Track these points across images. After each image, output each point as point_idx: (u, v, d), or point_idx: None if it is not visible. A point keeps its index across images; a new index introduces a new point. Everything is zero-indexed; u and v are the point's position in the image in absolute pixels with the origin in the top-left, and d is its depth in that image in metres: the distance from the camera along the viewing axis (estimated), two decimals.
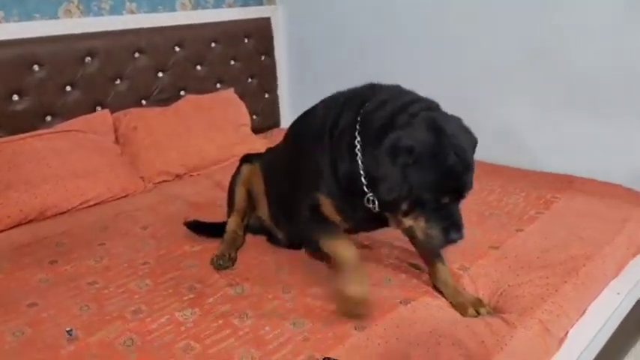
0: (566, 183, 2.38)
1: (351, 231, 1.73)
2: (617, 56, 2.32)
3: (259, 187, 2.03)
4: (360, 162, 1.49)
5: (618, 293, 1.88)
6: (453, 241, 1.43)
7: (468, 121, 2.84)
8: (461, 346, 1.39)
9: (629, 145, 2.35)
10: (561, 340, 1.58)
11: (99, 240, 2.06)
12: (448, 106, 3.03)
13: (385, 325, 1.48)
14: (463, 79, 2.82)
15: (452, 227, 1.42)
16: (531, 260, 1.80)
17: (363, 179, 1.50)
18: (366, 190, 1.51)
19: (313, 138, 1.62)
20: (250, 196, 2.06)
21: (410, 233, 1.56)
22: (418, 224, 1.44)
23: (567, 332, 1.61)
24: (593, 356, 1.71)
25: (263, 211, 2.04)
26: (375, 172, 1.44)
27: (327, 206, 1.61)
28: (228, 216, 2.04)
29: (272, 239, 2.03)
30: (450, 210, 1.42)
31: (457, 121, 1.51)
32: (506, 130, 2.71)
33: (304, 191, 1.65)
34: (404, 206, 1.43)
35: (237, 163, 2.14)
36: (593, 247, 1.87)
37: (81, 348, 1.43)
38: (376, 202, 1.50)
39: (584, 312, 1.72)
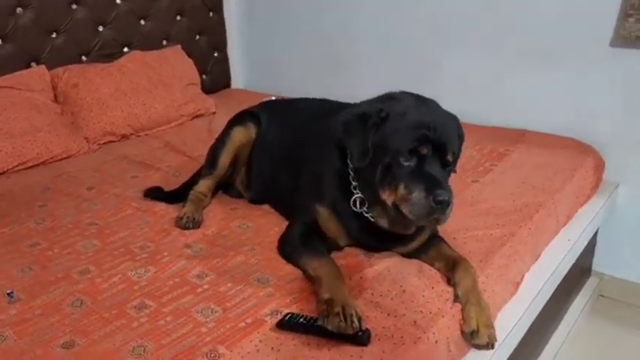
0: (518, 136, 2.42)
1: (361, 247, 1.57)
2: (566, 9, 2.34)
3: (244, 157, 1.92)
4: (349, 159, 1.46)
5: (569, 239, 1.95)
6: (440, 202, 1.26)
7: (424, 76, 2.83)
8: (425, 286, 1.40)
9: (578, 97, 2.40)
10: (517, 284, 1.62)
11: (39, 202, 1.93)
12: (405, 63, 3.01)
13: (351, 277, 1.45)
14: (418, 35, 2.79)
15: (435, 187, 1.27)
16: (488, 209, 1.82)
17: (351, 179, 1.47)
18: (353, 191, 1.46)
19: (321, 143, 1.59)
20: (235, 163, 1.92)
21: (419, 254, 1.52)
22: (398, 193, 1.32)
23: (523, 276, 1.65)
24: (546, 299, 1.77)
25: (239, 178, 1.95)
26: (349, 142, 1.41)
27: (326, 219, 1.53)
28: (201, 176, 1.92)
29: (230, 192, 1.98)
30: (431, 171, 1.31)
31: (433, 101, 1.46)
32: (460, 84, 2.71)
33: (304, 203, 1.59)
34: (378, 175, 1.35)
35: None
36: (545, 195, 1.91)
37: (24, 310, 1.34)
38: (358, 203, 1.45)
39: (538, 257, 1.77)
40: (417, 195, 1.29)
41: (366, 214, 1.46)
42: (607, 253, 2.49)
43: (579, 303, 2.37)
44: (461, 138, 1.45)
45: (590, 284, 2.51)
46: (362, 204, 1.46)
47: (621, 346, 2.21)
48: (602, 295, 2.52)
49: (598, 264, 2.54)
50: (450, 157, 1.36)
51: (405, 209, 1.31)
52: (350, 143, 1.41)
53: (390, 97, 1.45)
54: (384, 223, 1.45)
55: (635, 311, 2.41)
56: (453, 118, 1.44)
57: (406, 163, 1.32)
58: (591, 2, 2.27)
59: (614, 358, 2.14)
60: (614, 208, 2.36)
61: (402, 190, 1.32)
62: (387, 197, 1.36)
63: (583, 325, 2.31)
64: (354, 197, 1.47)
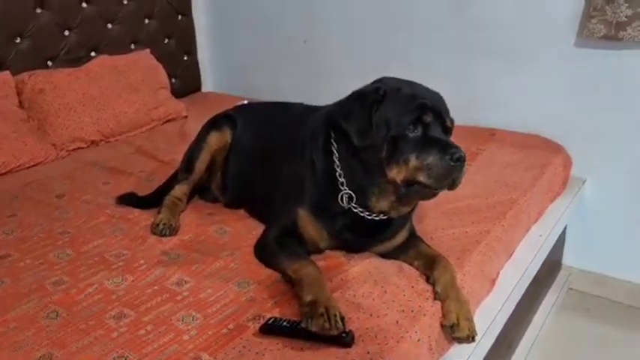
0: (488, 135, 2.47)
1: (342, 248, 1.57)
2: (531, 10, 2.40)
3: (220, 161, 1.90)
4: (335, 155, 1.46)
5: (540, 235, 2.00)
6: (458, 159, 1.29)
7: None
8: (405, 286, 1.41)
9: (544, 95, 2.46)
10: (493, 281, 1.66)
11: (8, 211, 1.87)
12: (374, 65, 3.01)
13: (332, 279, 1.45)
14: (386, 35, 2.81)
15: (447, 147, 1.31)
16: (462, 207, 1.85)
17: (338, 176, 1.47)
18: (340, 187, 1.46)
19: (299, 146, 1.58)
20: (211, 168, 1.90)
21: (398, 253, 1.54)
22: (411, 165, 1.33)
23: (498, 273, 1.69)
24: (521, 293, 1.81)
25: (215, 182, 1.93)
26: (346, 123, 1.41)
27: (306, 222, 1.51)
28: (177, 180, 1.88)
29: (206, 197, 1.96)
30: (437, 137, 1.35)
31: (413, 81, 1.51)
32: (429, 84, 2.74)
33: (282, 207, 1.57)
34: (384, 152, 1.35)
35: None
36: (517, 192, 1.96)
37: None
38: (346, 199, 1.45)
39: (512, 253, 1.81)
40: (434, 158, 1.31)
41: (354, 210, 1.47)
42: (575, 247, 2.56)
43: (551, 296, 2.43)
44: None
45: (561, 278, 2.58)
46: (349, 200, 1.46)
47: (591, 336, 2.29)
48: (571, 289, 2.59)
49: (567, 258, 2.61)
50: (449, 123, 1.40)
51: (422, 177, 1.32)
52: (351, 125, 1.40)
53: (378, 81, 1.48)
54: (384, 206, 1.44)
55: (603, 302, 2.49)
56: (438, 92, 1.48)
57: (412, 134, 1.34)
58: (556, 4, 2.33)
59: (585, 348, 2.21)
60: (581, 203, 2.43)
61: (414, 161, 1.33)
62: (397, 174, 1.36)
63: (555, 317, 2.37)
64: (341, 194, 1.47)
